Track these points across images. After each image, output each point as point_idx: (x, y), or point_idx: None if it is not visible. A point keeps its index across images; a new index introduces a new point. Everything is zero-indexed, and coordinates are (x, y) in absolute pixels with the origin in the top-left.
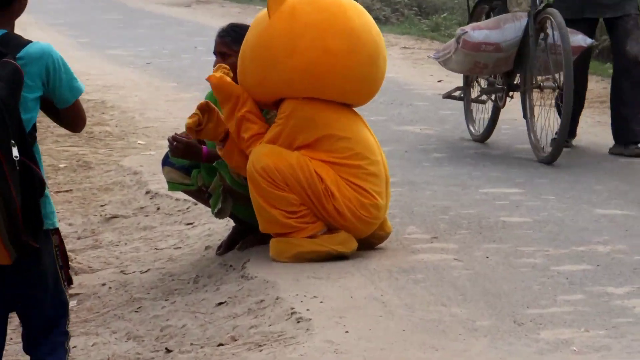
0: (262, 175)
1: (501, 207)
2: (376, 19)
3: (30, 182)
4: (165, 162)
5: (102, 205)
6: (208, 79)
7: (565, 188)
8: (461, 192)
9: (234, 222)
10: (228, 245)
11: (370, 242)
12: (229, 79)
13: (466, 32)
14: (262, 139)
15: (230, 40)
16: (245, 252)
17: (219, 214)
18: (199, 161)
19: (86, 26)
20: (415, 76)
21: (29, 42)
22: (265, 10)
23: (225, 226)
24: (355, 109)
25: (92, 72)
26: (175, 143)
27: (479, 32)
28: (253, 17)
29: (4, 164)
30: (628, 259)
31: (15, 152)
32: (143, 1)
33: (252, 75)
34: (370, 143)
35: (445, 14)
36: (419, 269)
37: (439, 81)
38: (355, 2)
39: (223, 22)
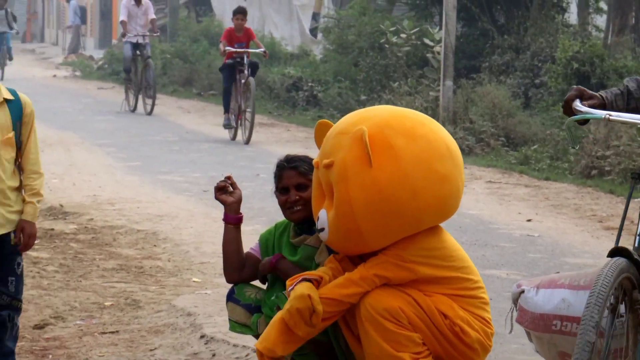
0: (385, 317)
1: None
2: (459, 149)
3: None
4: (230, 297)
5: (151, 350)
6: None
7: None
8: None
9: None
10: None
11: None
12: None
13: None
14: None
15: (306, 170)
16: None
17: None
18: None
19: (137, 148)
20: (501, 214)
21: None
22: (347, 156)
23: None
24: None
25: (142, 199)
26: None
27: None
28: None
29: None
30: None
31: None
32: (200, 123)
33: (372, 231)
34: (474, 267)
35: (535, 146)
36: None
37: (528, 220)
38: (419, 113)
39: (288, 149)
